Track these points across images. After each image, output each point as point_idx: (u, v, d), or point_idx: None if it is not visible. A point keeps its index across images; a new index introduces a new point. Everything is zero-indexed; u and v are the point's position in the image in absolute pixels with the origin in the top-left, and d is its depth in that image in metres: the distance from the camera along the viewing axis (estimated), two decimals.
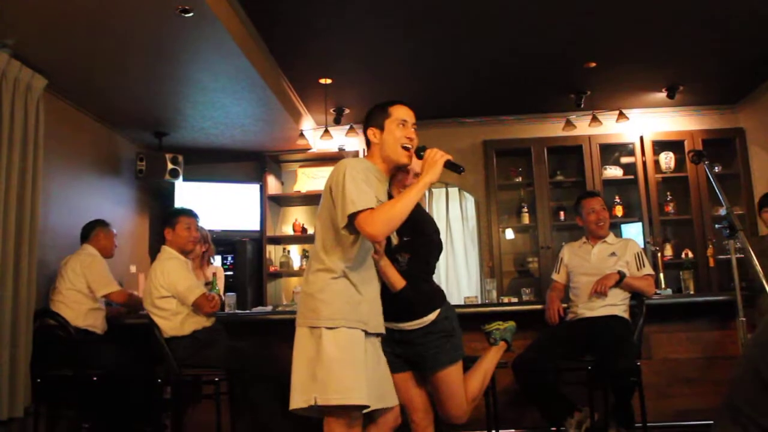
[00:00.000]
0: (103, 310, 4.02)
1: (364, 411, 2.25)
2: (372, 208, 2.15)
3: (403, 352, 2.61)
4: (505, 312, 3.88)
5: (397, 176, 2.48)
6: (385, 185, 2.44)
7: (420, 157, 2.33)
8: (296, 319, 2.32)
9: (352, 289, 2.26)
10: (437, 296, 2.67)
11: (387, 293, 2.52)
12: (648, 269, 3.64)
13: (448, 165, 2.28)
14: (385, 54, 4.69)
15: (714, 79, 5.41)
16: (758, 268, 3.04)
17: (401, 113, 2.38)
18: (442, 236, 6.37)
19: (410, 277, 2.52)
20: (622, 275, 3.53)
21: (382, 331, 2.41)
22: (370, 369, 2.28)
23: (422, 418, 2.63)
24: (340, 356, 2.17)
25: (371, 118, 2.42)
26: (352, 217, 2.16)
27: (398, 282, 2.50)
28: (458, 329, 2.63)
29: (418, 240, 2.59)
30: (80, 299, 3.88)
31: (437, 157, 2.26)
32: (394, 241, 2.58)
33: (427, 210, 6.49)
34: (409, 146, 2.35)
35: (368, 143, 2.43)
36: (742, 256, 3.26)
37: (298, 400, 2.21)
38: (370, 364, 2.29)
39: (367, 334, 2.29)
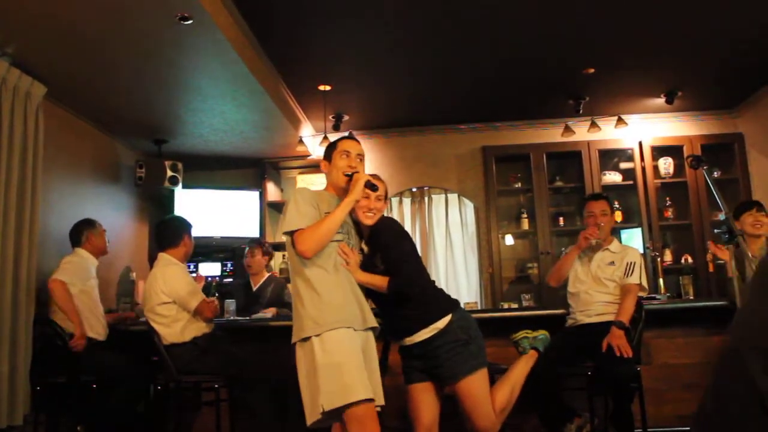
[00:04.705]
0: (105, 317, 4.02)
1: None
2: (302, 229, 2.41)
3: (422, 365, 2.62)
4: (505, 318, 3.88)
5: (360, 202, 2.60)
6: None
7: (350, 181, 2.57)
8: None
9: (326, 295, 2.42)
10: (444, 302, 2.67)
11: (393, 311, 2.59)
12: (633, 279, 3.52)
13: (367, 184, 2.54)
14: (384, 60, 4.70)
15: (713, 84, 5.42)
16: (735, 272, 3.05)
17: (344, 146, 2.66)
18: (442, 242, 6.48)
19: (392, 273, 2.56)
20: (618, 325, 3.36)
21: (373, 325, 2.52)
22: (367, 365, 2.40)
23: None
24: (331, 359, 2.29)
25: (324, 153, 2.72)
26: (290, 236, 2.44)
27: (381, 281, 2.54)
28: (477, 337, 2.63)
29: (380, 242, 2.64)
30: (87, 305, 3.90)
31: (359, 177, 2.54)
32: (365, 250, 2.67)
33: (426, 215, 6.54)
34: (350, 173, 2.59)
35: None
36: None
37: (311, 415, 2.31)
38: (366, 360, 2.41)
39: (357, 330, 2.42)
